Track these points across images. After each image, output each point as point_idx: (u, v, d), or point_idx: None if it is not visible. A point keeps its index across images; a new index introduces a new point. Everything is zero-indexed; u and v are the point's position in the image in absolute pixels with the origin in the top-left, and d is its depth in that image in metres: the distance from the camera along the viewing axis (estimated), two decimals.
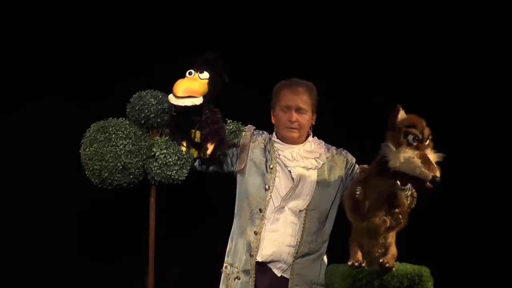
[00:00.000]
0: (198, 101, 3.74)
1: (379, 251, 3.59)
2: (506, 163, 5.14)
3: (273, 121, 3.99)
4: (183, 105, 3.72)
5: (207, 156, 3.83)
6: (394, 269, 3.52)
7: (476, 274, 5.14)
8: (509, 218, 5.12)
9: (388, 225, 3.53)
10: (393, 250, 3.59)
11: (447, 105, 5.17)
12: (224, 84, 3.86)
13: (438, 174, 3.43)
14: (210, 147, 3.80)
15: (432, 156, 3.47)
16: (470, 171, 5.14)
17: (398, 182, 3.52)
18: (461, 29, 5.16)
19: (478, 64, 5.16)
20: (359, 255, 3.59)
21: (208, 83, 3.79)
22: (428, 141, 3.48)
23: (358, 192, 3.51)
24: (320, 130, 4.01)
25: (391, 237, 3.60)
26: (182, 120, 3.79)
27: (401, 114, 3.51)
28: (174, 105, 3.75)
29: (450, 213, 5.17)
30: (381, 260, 3.52)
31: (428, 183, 3.44)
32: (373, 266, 3.57)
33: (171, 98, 3.75)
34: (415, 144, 3.45)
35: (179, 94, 3.72)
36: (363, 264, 3.55)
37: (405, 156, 3.44)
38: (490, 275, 5.13)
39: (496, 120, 5.15)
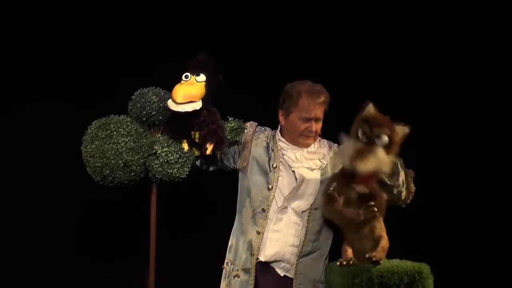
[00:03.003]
0: (198, 105, 3.73)
1: (369, 244, 3.59)
2: (506, 162, 5.15)
3: (282, 121, 3.90)
4: (183, 111, 3.71)
5: (209, 155, 3.82)
6: (381, 262, 3.52)
7: (476, 272, 5.14)
8: (509, 217, 5.13)
9: (362, 218, 3.54)
10: (383, 243, 3.58)
11: (446, 104, 5.17)
12: (219, 83, 3.84)
13: (362, 168, 3.44)
14: (210, 147, 3.78)
15: (382, 156, 3.47)
16: (469, 170, 5.15)
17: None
18: (461, 29, 5.17)
19: (478, 64, 5.17)
20: (349, 253, 3.62)
21: (205, 85, 3.77)
22: (380, 140, 3.48)
23: (331, 188, 3.56)
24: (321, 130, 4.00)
25: (379, 229, 3.59)
26: (181, 123, 3.78)
27: (368, 109, 3.55)
28: (175, 111, 3.73)
29: (449, 210, 5.18)
30: (367, 256, 3.53)
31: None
32: (364, 261, 3.57)
33: (171, 104, 3.72)
34: (363, 139, 3.49)
35: (179, 101, 3.70)
36: (351, 262, 3.57)
37: (345, 146, 3.52)
38: (489, 273, 5.13)
39: (496, 119, 5.15)
